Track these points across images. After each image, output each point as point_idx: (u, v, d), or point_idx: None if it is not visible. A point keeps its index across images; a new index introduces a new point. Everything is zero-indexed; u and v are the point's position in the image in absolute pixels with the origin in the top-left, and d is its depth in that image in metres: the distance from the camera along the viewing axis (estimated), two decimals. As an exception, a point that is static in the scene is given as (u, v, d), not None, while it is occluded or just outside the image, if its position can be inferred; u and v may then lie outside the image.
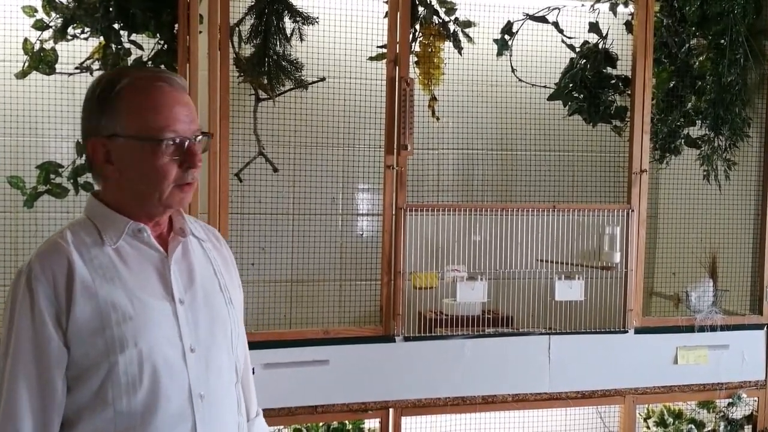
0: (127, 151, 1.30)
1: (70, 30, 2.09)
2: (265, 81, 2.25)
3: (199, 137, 1.34)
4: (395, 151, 2.29)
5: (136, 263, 1.33)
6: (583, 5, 2.59)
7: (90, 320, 1.26)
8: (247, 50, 2.25)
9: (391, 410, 2.35)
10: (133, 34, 2.12)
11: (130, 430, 1.27)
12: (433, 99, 2.40)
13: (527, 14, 2.52)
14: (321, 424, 2.34)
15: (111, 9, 2.07)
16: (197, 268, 1.41)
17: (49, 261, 1.27)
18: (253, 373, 1.76)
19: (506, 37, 2.51)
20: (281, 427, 2.29)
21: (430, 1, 2.35)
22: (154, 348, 1.29)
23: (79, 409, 1.28)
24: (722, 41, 2.59)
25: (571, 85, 2.55)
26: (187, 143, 1.30)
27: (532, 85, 2.58)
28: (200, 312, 1.37)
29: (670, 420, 2.65)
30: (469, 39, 2.41)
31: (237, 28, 2.24)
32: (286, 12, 2.24)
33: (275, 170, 2.33)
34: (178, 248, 1.39)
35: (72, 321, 1.25)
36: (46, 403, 1.26)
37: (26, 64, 2.08)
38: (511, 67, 2.55)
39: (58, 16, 2.07)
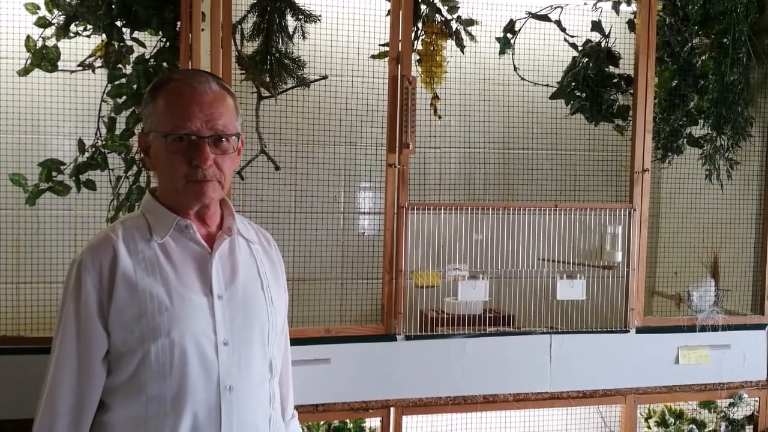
0: (154, 145, 1.41)
1: (72, 27, 2.09)
2: (267, 79, 2.25)
3: (223, 138, 1.38)
4: (397, 149, 2.29)
5: (179, 258, 1.41)
6: (585, 4, 2.58)
7: (128, 308, 1.35)
8: (250, 48, 2.25)
9: (392, 409, 2.35)
10: (136, 32, 2.11)
11: (161, 414, 1.35)
12: (435, 97, 2.40)
13: (530, 12, 2.51)
14: (322, 422, 2.33)
15: (113, 6, 2.07)
16: (241, 266, 1.47)
17: (98, 252, 1.38)
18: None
19: (509, 35, 2.51)
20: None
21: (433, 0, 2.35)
22: (187, 338, 1.36)
23: (115, 393, 1.38)
24: (725, 40, 2.58)
25: (573, 83, 2.54)
26: (198, 141, 1.36)
27: (535, 83, 2.58)
28: (238, 308, 1.43)
29: (671, 420, 2.64)
30: (472, 37, 2.41)
31: (239, 26, 2.24)
32: (288, 10, 2.24)
33: (277, 168, 2.33)
34: (223, 246, 1.45)
35: (113, 307, 1.35)
36: (84, 382, 1.36)
37: (28, 62, 2.08)
38: (514, 65, 2.54)
39: (60, 13, 2.07)
